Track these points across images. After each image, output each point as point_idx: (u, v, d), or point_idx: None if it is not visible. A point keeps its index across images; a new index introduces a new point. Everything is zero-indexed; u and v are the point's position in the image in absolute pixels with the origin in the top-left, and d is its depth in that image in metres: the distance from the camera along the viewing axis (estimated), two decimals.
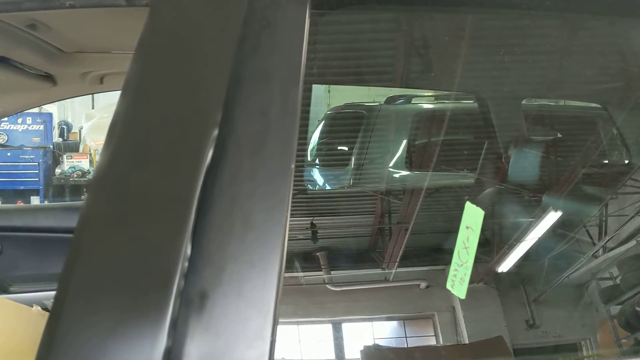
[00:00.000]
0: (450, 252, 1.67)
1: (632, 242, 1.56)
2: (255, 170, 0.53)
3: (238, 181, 0.52)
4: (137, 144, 0.53)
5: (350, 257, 1.99)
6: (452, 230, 1.76)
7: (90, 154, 6.79)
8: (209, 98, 0.54)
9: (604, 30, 1.28)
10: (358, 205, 2.27)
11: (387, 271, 1.79)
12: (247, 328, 0.49)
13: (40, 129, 6.77)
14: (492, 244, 1.71)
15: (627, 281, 1.54)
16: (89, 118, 7.24)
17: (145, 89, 0.55)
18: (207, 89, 0.55)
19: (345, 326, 1.61)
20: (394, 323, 1.66)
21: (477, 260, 0.98)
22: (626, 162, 2.00)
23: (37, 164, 6.56)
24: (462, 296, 0.82)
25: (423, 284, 1.71)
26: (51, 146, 6.96)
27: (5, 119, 6.00)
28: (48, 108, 6.97)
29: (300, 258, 1.84)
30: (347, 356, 1.54)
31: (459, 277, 0.81)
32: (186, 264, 0.48)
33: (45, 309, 1.29)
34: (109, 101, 7.24)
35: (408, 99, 2.95)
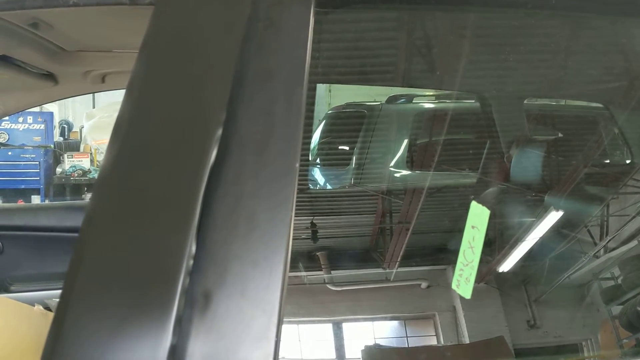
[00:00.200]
0: (451, 252, 1.67)
1: (634, 242, 1.55)
2: (259, 170, 0.53)
3: (242, 180, 0.52)
4: (141, 143, 0.53)
5: (350, 256, 1.98)
6: (453, 230, 1.76)
7: (91, 153, 6.79)
8: (213, 97, 0.54)
9: (607, 30, 1.28)
10: (359, 205, 2.27)
11: (387, 271, 1.79)
12: (252, 328, 0.49)
13: (41, 128, 6.77)
14: (493, 243, 1.71)
15: (628, 281, 1.53)
16: (90, 117, 7.24)
17: (150, 88, 0.55)
18: (211, 88, 0.55)
19: (345, 326, 1.61)
20: (395, 323, 1.66)
21: (479, 260, 0.98)
22: (628, 162, 2.00)
23: (38, 163, 6.56)
24: (468, 296, 0.82)
25: (424, 284, 1.71)
26: (52, 145, 6.96)
27: (6, 118, 6.01)
28: (49, 107, 6.97)
29: (301, 257, 1.84)
30: (347, 356, 1.54)
31: (464, 277, 0.81)
32: (191, 262, 0.48)
33: (47, 308, 1.29)
34: (109, 100, 7.24)
35: (409, 98, 2.96)
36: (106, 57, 1.56)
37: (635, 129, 1.85)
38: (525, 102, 1.97)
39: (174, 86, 0.56)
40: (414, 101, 2.95)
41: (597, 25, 1.28)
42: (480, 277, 1.66)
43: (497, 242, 1.70)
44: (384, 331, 1.66)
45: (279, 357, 0.50)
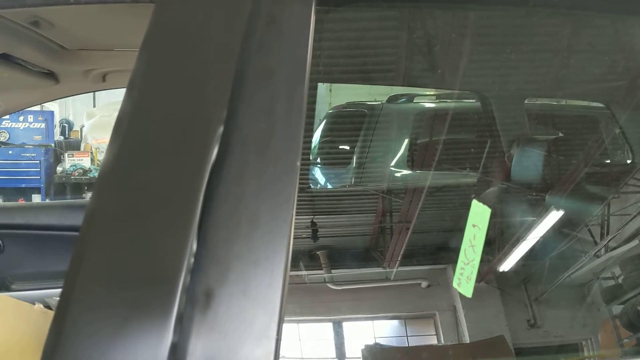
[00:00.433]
0: (451, 251, 1.67)
1: (635, 242, 1.55)
2: (260, 168, 0.53)
3: (243, 179, 0.52)
4: (142, 141, 0.53)
5: (351, 255, 1.98)
6: (453, 229, 1.76)
7: (91, 152, 6.79)
8: (214, 95, 0.54)
9: (608, 28, 1.28)
10: (359, 204, 2.27)
11: (388, 270, 1.79)
12: (253, 327, 0.48)
13: (41, 127, 6.77)
14: (493, 243, 1.71)
15: (629, 281, 1.53)
16: (91, 116, 7.24)
17: (151, 86, 0.55)
18: (212, 86, 0.55)
19: (345, 325, 1.61)
20: (395, 322, 1.66)
21: (480, 259, 0.98)
22: (629, 161, 1.99)
23: (38, 162, 6.56)
24: (469, 295, 0.82)
25: (424, 283, 1.70)
26: (52, 144, 6.96)
27: (7, 116, 6.01)
28: (49, 106, 6.97)
29: (301, 256, 1.84)
30: (347, 355, 1.54)
31: (465, 276, 0.81)
32: (192, 261, 0.48)
33: (47, 306, 1.29)
34: (110, 99, 7.24)
35: (410, 97, 2.96)
36: (107, 56, 1.56)
37: (636, 128, 1.85)
38: (526, 101, 1.97)
39: (174, 84, 0.56)
40: (414, 101, 2.95)
41: (598, 24, 1.28)
42: (480, 277, 1.66)
43: (497, 242, 1.70)
44: (384, 330, 1.66)
45: (280, 355, 0.50)
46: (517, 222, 1.74)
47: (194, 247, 0.48)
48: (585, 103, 2.27)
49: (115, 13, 1.09)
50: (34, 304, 1.23)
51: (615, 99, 1.78)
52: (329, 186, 2.76)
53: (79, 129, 7.73)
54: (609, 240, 1.63)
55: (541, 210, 1.65)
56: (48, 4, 0.91)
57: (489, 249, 1.71)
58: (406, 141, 2.67)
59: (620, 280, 1.59)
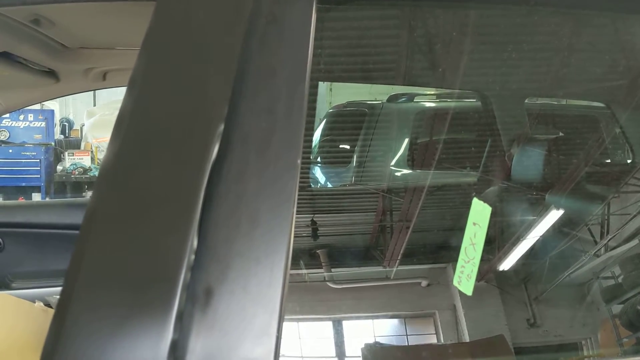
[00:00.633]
0: (451, 250, 1.67)
1: (635, 241, 1.55)
2: (261, 167, 0.53)
3: (244, 177, 0.52)
4: (143, 140, 0.53)
5: (351, 254, 1.98)
6: (454, 228, 1.76)
7: (91, 151, 6.79)
8: (215, 93, 0.54)
9: (609, 28, 1.28)
10: (359, 203, 2.27)
11: (388, 269, 1.79)
12: (253, 325, 0.49)
13: (41, 125, 6.77)
14: (493, 242, 1.71)
15: (629, 280, 1.53)
16: (91, 115, 7.24)
17: (152, 85, 0.55)
18: (213, 84, 0.55)
19: (345, 324, 1.61)
20: (395, 321, 1.66)
21: (480, 257, 0.98)
22: (629, 161, 1.99)
23: (38, 160, 6.56)
24: (469, 293, 0.82)
25: (424, 282, 1.71)
26: (53, 143, 6.96)
27: (7, 115, 6.01)
28: (50, 105, 6.98)
29: (301, 255, 1.84)
30: (347, 353, 1.55)
31: (465, 274, 0.81)
32: (192, 259, 0.48)
33: (47, 304, 1.29)
34: (110, 98, 7.24)
35: (410, 97, 2.96)
36: (107, 55, 1.56)
37: (636, 128, 1.85)
38: (526, 100, 1.97)
39: (175, 83, 0.56)
40: (415, 100, 2.95)
41: (598, 23, 1.27)
42: (480, 276, 1.65)
43: (497, 241, 1.70)
44: (384, 329, 1.66)
45: (280, 354, 0.50)
46: (517, 221, 1.74)
47: (195, 245, 0.49)
48: (585, 102, 2.27)
49: (116, 11, 1.09)
50: (34, 302, 1.23)
51: (615, 99, 1.78)
52: (329, 185, 2.76)
53: (79, 128, 7.74)
54: (609, 240, 1.63)
55: (541, 210, 1.65)
56: (49, 1, 0.91)
57: (488, 248, 1.71)
58: (406, 140, 2.67)
59: (620, 280, 1.59)
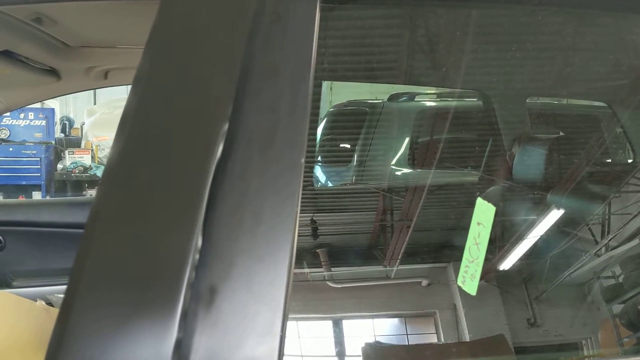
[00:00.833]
0: (452, 250, 1.67)
1: (635, 241, 1.55)
2: (265, 165, 0.53)
3: (248, 176, 0.52)
4: (148, 138, 0.53)
5: (351, 254, 1.98)
6: (454, 227, 1.76)
7: (92, 150, 6.80)
8: (219, 93, 0.54)
9: (611, 27, 1.28)
10: (360, 203, 2.27)
11: (388, 268, 1.79)
12: (257, 323, 0.49)
13: (42, 124, 6.78)
14: (494, 241, 1.71)
15: (629, 280, 1.53)
16: (91, 114, 7.24)
17: (156, 83, 0.55)
18: (218, 83, 0.55)
19: (346, 323, 1.61)
20: (395, 320, 1.66)
21: (484, 257, 0.98)
22: (630, 161, 2.00)
23: (39, 159, 6.57)
24: (473, 293, 0.82)
25: (425, 282, 1.71)
26: (53, 142, 6.96)
27: (8, 114, 6.00)
28: (50, 103, 6.98)
29: (302, 254, 1.84)
30: (348, 353, 1.55)
31: (469, 274, 0.81)
32: (197, 256, 0.48)
33: (49, 303, 1.29)
34: (111, 97, 7.24)
35: (411, 96, 2.96)
36: (109, 53, 1.56)
37: (637, 127, 1.85)
38: (527, 100, 1.97)
39: (179, 81, 0.56)
40: (415, 99, 2.95)
41: (601, 22, 1.27)
42: (481, 275, 1.65)
43: (498, 240, 1.70)
44: (385, 328, 1.66)
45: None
46: (518, 220, 1.74)
47: (199, 243, 0.49)
48: (587, 102, 2.27)
49: (118, 10, 1.09)
50: (36, 301, 1.23)
51: (617, 98, 1.78)
52: (330, 184, 2.76)
53: (79, 127, 7.74)
54: (609, 240, 1.63)
55: (542, 209, 1.65)
56: (51, 0, 0.91)
57: (489, 248, 1.70)
58: (407, 140, 2.67)
59: (620, 280, 1.59)
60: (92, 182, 6.59)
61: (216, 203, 0.51)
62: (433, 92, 2.94)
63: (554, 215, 1.61)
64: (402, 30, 1.49)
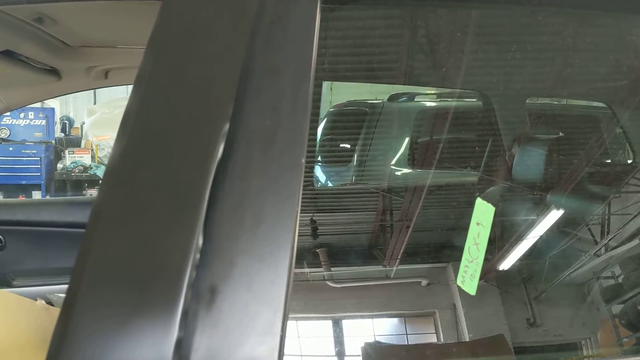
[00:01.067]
0: (452, 250, 1.67)
1: (635, 241, 1.56)
2: (265, 165, 0.53)
3: (248, 175, 0.52)
4: (149, 138, 0.53)
5: (351, 254, 1.99)
6: (454, 227, 1.76)
7: (91, 149, 6.80)
8: (220, 93, 0.54)
9: (611, 28, 1.28)
10: (359, 203, 2.27)
11: (388, 268, 1.79)
12: (257, 323, 0.49)
13: (42, 123, 6.78)
14: (493, 241, 1.71)
15: (629, 280, 1.54)
16: (91, 113, 7.25)
17: (157, 83, 0.55)
18: (219, 83, 0.55)
19: (345, 323, 1.61)
20: (395, 320, 1.66)
21: (484, 257, 0.98)
22: (629, 161, 2.00)
23: (39, 158, 6.57)
24: (473, 292, 0.82)
25: (424, 282, 1.71)
26: (53, 141, 6.96)
27: (8, 113, 6.00)
28: (50, 103, 6.98)
29: (301, 254, 1.84)
30: (347, 353, 1.55)
31: (469, 274, 0.81)
32: (197, 256, 0.48)
33: (49, 302, 1.29)
34: (111, 96, 7.24)
35: (411, 96, 2.96)
36: (110, 53, 1.56)
37: (637, 128, 1.85)
38: (527, 100, 1.97)
39: (181, 82, 0.56)
40: (415, 99, 2.95)
41: (601, 23, 1.28)
42: (480, 275, 1.65)
43: (497, 240, 1.70)
44: (384, 328, 1.66)
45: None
46: (518, 220, 1.74)
47: (200, 243, 0.49)
48: (586, 103, 2.27)
49: (118, 10, 1.09)
50: (36, 300, 1.23)
51: (617, 99, 1.78)
52: (330, 184, 2.76)
53: (79, 126, 7.74)
54: (609, 240, 1.63)
55: (542, 209, 1.65)
56: (52, 0, 0.91)
57: (489, 248, 1.70)
58: (407, 140, 2.67)
59: (620, 280, 1.59)
60: (92, 181, 6.59)
61: (217, 203, 0.51)
62: (433, 92, 2.94)
63: (554, 215, 1.61)
64: (402, 31, 1.49)
